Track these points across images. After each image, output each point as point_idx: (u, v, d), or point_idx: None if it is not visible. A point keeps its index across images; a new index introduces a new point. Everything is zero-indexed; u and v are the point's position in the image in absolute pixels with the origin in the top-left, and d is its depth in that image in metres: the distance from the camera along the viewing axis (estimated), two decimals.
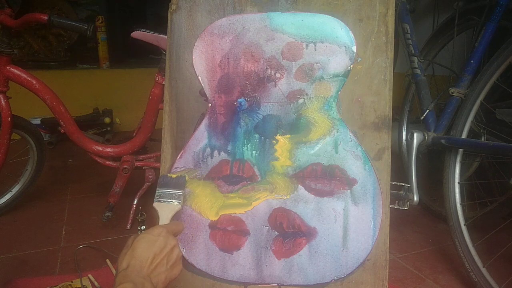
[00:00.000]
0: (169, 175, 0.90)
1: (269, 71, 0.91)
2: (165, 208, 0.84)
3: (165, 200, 0.85)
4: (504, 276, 1.12)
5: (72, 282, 1.12)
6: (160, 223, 0.81)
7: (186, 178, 0.91)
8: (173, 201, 0.85)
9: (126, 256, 0.68)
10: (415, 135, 1.32)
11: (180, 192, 0.88)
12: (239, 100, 0.93)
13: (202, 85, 0.93)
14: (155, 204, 0.84)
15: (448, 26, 1.57)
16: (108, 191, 1.50)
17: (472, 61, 1.29)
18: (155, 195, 0.86)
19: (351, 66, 0.90)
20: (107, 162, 1.52)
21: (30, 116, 2.38)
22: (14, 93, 1.42)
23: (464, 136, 1.22)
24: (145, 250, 0.68)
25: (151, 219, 1.02)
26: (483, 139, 1.32)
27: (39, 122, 2.50)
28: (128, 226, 1.46)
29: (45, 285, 1.10)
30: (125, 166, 1.47)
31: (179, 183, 0.89)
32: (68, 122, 1.46)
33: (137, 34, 1.36)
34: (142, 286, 0.63)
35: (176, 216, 0.85)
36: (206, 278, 0.94)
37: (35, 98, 1.43)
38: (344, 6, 0.91)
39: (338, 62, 0.90)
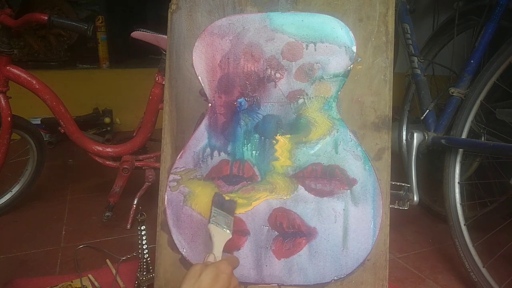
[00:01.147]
0: (221, 195, 0.89)
1: (269, 71, 0.91)
2: (220, 235, 0.82)
3: (220, 225, 0.83)
4: (504, 276, 1.12)
5: (72, 282, 1.12)
6: (215, 251, 0.80)
7: (236, 205, 0.91)
8: (226, 228, 0.83)
9: (194, 287, 0.68)
10: (415, 135, 1.32)
11: (231, 220, 0.86)
12: (239, 100, 0.93)
13: (202, 85, 0.93)
14: (211, 227, 0.82)
15: (448, 26, 1.57)
16: (108, 191, 1.50)
17: (472, 61, 1.29)
18: (211, 214, 0.84)
19: (351, 66, 0.90)
20: (107, 162, 1.52)
21: (30, 116, 2.38)
22: (14, 93, 1.42)
23: (464, 136, 1.22)
24: (212, 286, 0.68)
25: (151, 219, 1.02)
26: (483, 139, 1.32)
27: (39, 122, 2.50)
28: (128, 226, 1.46)
29: (45, 285, 1.10)
30: (125, 166, 1.47)
31: (231, 208, 0.88)
32: (68, 122, 1.46)
33: (137, 34, 1.36)
34: None
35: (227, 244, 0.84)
36: None
37: (35, 98, 1.43)
38: (344, 6, 0.91)
39: (338, 62, 0.90)
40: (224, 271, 0.71)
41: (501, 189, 1.44)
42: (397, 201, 1.17)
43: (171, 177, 0.95)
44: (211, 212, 0.84)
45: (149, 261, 1.05)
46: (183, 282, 0.69)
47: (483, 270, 1.12)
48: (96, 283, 1.12)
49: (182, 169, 0.94)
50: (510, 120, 1.28)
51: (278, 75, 0.91)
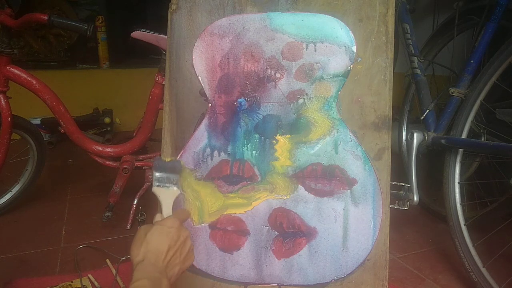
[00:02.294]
0: (163, 158, 0.88)
1: (269, 71, 0.91)
2: (166, 194, 0.82)
3: (164, 185, 0.83)
4: (504, 276, 1.12)
5: (72, 282, 1.12)
6: (163, 210, 0.80)
7: (182, 163, 0.89)
8: (172, 186, 0.83)
9: (141, 248, 0.67)
10: (415, 135, 1.32)
11: (177, 177, 0.85)
12: (239, 100, 0.93)
13: (202, 85, 0.93)
14: (155, 189, 0.82)
15: (448, 26, 1.57)
16: (108, 191, 1.50)
17: (472, 61, 1.29)
18: (153, 179, 0.84)
19: (351, 66, 0.90)
20: (107, 162, 1.52)
21: (30, 116, 2.38)
22: (14, 93, 1.42)
23: (464, 136, 1.22)
24: (160, 243, 0.68)
25: (151, 219, 1.01)
26: (483, 139, 1.32)
27: (39, 122, 2.50)
28: (128, 226, 1.46)
29: (45, 285, 1.10)
30: (125, 166, 1.47)
31: (175, 168, 0.86)
32: (68, 122, 1.46)
33: (137, 34, 1.36)
34: (159, 282, 0.63)
35: (176, 202, 0.84)
36: (206, 278, 0.94)
37: (35, 98, 1.43)
38: (344, 6, 0.91)
39: (338, 62, 0.90)
40: (172, 226, 0.70)
41: (501, 189, 1.44)
42: (397, 201, 1.17)
43: None
44: (152, 177, 0.84)
45: None
46: (130, 247, 0.68)
47: (483, 270, 1.12)
48: (96, 283, 1.12)
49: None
50: (510, 120, 1.28)
51: (278, 75, 0.91)
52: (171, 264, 0.68)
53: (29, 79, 1.39)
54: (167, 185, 0.83)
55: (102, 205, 1.55)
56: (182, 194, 0.89)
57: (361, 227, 0.91)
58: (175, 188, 0.83)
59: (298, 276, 0.92)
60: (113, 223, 1.50)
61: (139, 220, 1.48)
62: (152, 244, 0.67)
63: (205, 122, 0.93)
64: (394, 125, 1.40)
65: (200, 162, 0.94)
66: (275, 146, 0.92)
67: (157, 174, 0.84)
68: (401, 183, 1.18)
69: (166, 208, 0.80)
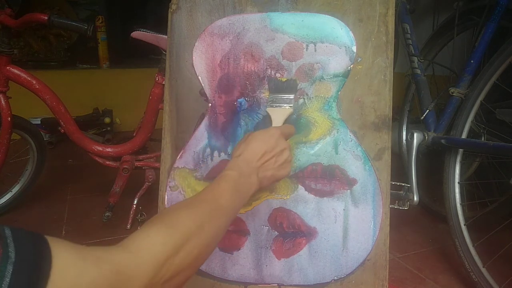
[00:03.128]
0: (279, 78, 0.89)
1: (269, 71, 0.91)
2: (278, 113, 0.85)
3: (277, 105, 0.86)
4: (504, 276, 1.12)
5: None
6: (273, 125, 0.84)
7: (297, 81, 0.90)
8: (285, 105, 0.86)
9: (240, 146, 0.74)
10: (415, 135, 1.32)
11: (292, 96, 0.88)
12: (239, 100, 0.93)
13: (202, 85, 0.93)
14: (268, 109, 0.86)
15: (448, 26, 1.57)
16: (108, 191, 1.50)
17: (472, 61, 1.29)
18: (268, 100, 0.88)
19: (351, 66, 0.90)
20: (107, 162, 1.52)
21: (30, 116, 2.38)
22: (14, 93, 1.42)
23: (464, 136, 1.22)
24: (257, 145, 0.73)
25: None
26: (483, 139, 1.32)
27: (39, 122, 2.50)
28: (128, 226, 1.46)
29: None
30: (125, 166, 1.47)
31: (290, 87, 0.88)
32: (68, 122, 1.46)
33: (137, 34, 1.36)
34: (248, 176, 0.69)
35: (288, 120, 0.87)
36: (206, 278, 0.94)
37: (35, 98, 1.43)
38: (344, 6, 0.91)
39: (338, 62, 0.90)
40: (273, 134, 0.76)
41: (501, 189, 1.44)
42: (397, 201, 1.17)
43: (171, 177, 0.95)
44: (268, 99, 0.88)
45: None
46: (234, 148, 0.75)
47: (483, 270, 1.12)
48: None
49: (182, 169, 0.94)
50: (510, 120, 1.28)
51: (278, 75, 0.91)
52: (265, 167, 0.73)
53: (29, 79, 1.39)
54: (280, 105, 0.86)
55: (102, 205, 1.55)
56: (292, 113, 0.89)
57: (361, 227, 0.91)
58: (287, 107, 0.86)
59: (298, 276, 0.92)
60: (113, 223, 1.50)
61: (139, 220, 1.48)
62: (251, 145, 0.73)
63: (205, 122, 0.93)
64: (394, 125, 1.40)
65: (200, 162, 0.94)
66: None
67: (272, 95, 0.88)
68: (401, 183, 1.18)
69: (276, 125, 0.84)
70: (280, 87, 0.88)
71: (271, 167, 0.74)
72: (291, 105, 0.87)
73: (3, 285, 0.33)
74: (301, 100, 0.91)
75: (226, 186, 0.64)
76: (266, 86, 0.91)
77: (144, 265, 0.46)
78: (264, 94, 0.92)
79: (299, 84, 0.89)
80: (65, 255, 0.39)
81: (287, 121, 0.87)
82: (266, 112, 0.87)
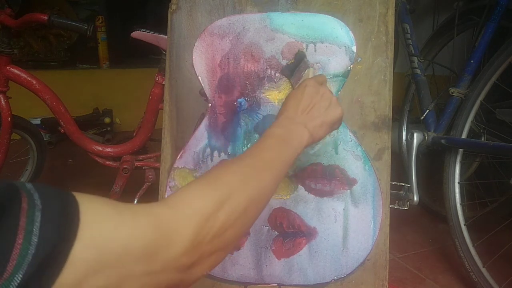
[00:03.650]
0: (288, 63, 0.91)
1: (269, 71, 0.91)
2: (305, 78, 0.85)
3: (300, 77, 0.87)
4: (504, 276, 1.12)
5: None
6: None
7: (304, 52, 0.91)
8: (304, 72, 0.87)
9: (280, 110, 0.72)
10: (415, 135, 1.32)
11: (304, 60, 0.89)
12: (239, 100, 0.93)
13: (202, 85, 0.93)
14: (296, 85, 0.86)
15: (448, 26, 1.57)
16: (108, 191, 1.50)
17: (472, 61, 1.29)
18: (292, 83, 0.89)
19: (351, 66, 0.90)
20: (107, 162, 1.52)
21: (30, 116, 2.38)
22: (14, 93, 1.42)
23: (464, 136, 1.22)
24: (295, 100, 0.71)
25: None
26: (483, 139, 1.32)
27: (39, 122, 2.50)
28: None
29: None
30: (125, 166, 1.47)
31: (300, 57, 0.89)
32: (68, 122, 1.46)
33: (137, 34, 1.36)
34: (295, 130, 0.66)
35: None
36: (206, 278, 0.94)
37: (35, 98, 1.43)
38: (344, 6, 0.91)
39: (338, 62, 0.90)
40: (307, 84, 0.74)
41: (501, 189, 1.44)
42: (397, 201, 1.17)
43: (171, 177, 0.95)
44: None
45: None
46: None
47: (483, 270, 1.12)
48: None
49: (182, 169, 0.94)
50: (510, 120, 1.28)
51: (278, 75, 0.91)
52: (311, 116, 0.69)
53: (29, 79, 1.39)
54: (302, 74, 0.87)
55: None
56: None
57: (361, 227, 0.91)
58: (306, 71, 0.87)
59: (298, 276, 0.92)
60: None
61: None
62: (288, 103, 0.71)
63: (205, 122, 0.93)
64: (394, 125, 1.40)
65: (200, 162, 0.94)
66: None
67: (292, 78, 0.89)
68: (401, 183, 1.18)
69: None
70: (292, 67, 0.89)
71: (317, 114, 0.70)
72: (309, 66, 0.88)
73: (34, 229, 0.32)
74: None
75: (271, 141, 0.62)
76: (266, 86, 0.91)
77: (186, 220, 0.43)
78: (264, 94, 0.92)
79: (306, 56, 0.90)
80: (96, 206, 0.37)
81: None
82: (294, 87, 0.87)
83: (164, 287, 0.42)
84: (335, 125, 0.73)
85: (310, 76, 0.85)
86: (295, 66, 0.89)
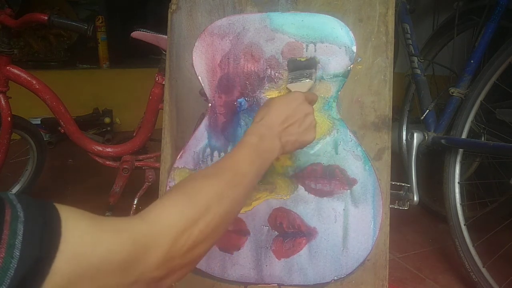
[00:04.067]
0: (298, 58, 0.89)
1: (269, 71, 0.91)
2: (299, 87, 0.85)
3: (297, 80, 0.86)
4: (504, 276, 1.12)
5: None
6: None
7: (316, 59, 0.90)
8: (305, 79, 0.86)
9: (262, 111, 0.71)
10: (415, 135, 1.32)
11: (312, 70, 0.88)
12: (239, 100, 0.93)
13: (202, 85, 0.93)
14: (288, 85, 0.86)
15: (448, 26, 1.57)
16: (108, 191, 1.50)
17: (472, 61, 1.29)
18: (288, 78, 0.88)
19: (351, 66, 0.90)
20: (107, 162, 1.52)
21: (30, 116, 2.38)
22: (14, 93, 1.42)
23: (464, 136, 1.22)
24: (279, 110, 0.70)
25: None
26: (483, 139, 1.32)
27: (39, 122, 2.50)
28: None
29: None
30: (125, 166, 1.47)
31: (310, 64, 0.89)
32: (68, 122, 1.46)
33: (137, 34, 1.36)
34: (270, 141, 0.66)
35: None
36: (206, 278, 0.94)
37: (35, 98, 1.43)
38: (344, 6, 0.91)
39: (338, 62, 0.90)
40: (296, 98, 0.73)
41: (501, 189, 1.44)
42: (397, 201, 1.17)
43: (171, 177, 0.95)
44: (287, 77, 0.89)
45: None
46: (256, 113, 0.73)
47: (483, 270, 1.12)
48: None
49: (182, 169, 0.94)
50: (510, 120, 1.28)
51: (278, 75, 0.91)
52: (288, 131, 0.70)
53: (29, 79, 1.39)
54: (300, 79, 0.86)
55: (102, 205, 1.54)
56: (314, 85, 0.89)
57: (361, 227, 0.91)
58: (307, 80, 0.86)
59: (298, 276, 0.92)
60: None
61: None
62: (272, 109, 0.70)
63: (205, 122, 0.93)
64: (394, 125, 1.40)
65: (200, 162, 0.94)
66: None
67: (291, 73, 0.88)
68: (401, 183, 1.18)
69: None
70: (299, 65, 0.88)
71: (294, 131, 0.70)
72: (311, 78, 0.87)
73: (16, 242, 0.33)
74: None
75: (246, 152, 0.62)
76: (266, 86, 0.91)
77: (162, 236, 0.45)
78: (264, 94, 0.92)
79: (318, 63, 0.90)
80: (77, 219, 0.38)
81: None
82: (287, 89, 0.86)
83: None
84: (303, 146, 0.75)
85: (306, 88, 0.85)
86: (301, 66, 0.88)
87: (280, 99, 0.73)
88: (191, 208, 0.49)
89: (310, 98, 0.78)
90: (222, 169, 0.59)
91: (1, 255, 0.32)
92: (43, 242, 0.34)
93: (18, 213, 0.34)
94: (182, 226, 0.47)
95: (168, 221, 0.46)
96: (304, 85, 0.85)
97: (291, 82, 0.87)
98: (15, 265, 0.32)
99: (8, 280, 0.31)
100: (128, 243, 0.41)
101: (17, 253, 0.32)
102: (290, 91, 0.85)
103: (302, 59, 0.89)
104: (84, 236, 0.38)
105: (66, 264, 0.35)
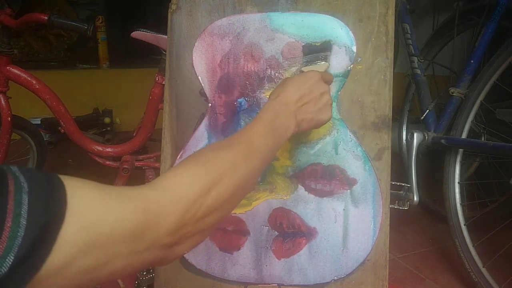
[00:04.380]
0: (313, 43, 0.90)
1: (269, 71, 0.91)
2: (314, 69, 0.84)
3: (312, 62, 0.87)
4: (504, 276, 1.12)
5: None
6: None
7: (331, 41, 0.90)
8: (320, 61, 0.87)
9: (278, 89, 0.71)
10: (415, 135, 1.32)
11: (327, 53, 0.88)
12: (239, 100, 0.93)
13: (202, 85, 0.93)
14: (304, 68, 0.86)
15: (448, 26, 1.57)
16: None
17: (472, 61, 1.29)
18: (302, 62, 0.89)
19: (351, 66, 0.90)
20: (107, 162, 1.52)
21: (30, 116, 2.38)
22: (14, 93, 1.42)
23: (464, 136, 1.22)
24: (295, 88, 0.70)
25: None
26: (483, 139, 1.32)
27: (39, 122, 2.50)
28: None
29: None
30: (125, 166, 1.47)
31: (325, 47, 0.89)
32: (68, 122, 1.46)
33: (137, 34, 1.36)
34: (285, 118, 0.66)
35: None
36: (206, 278, 0.94)
37: (35, 98, 1.43)
38: (344, 6, 0.91)
39: (338, 62, 0.90)
40: (311, 77, 0.72)
41: (501, 189, 1.45)
42: (397, 201, 1.17)
43: None
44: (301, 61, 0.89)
45: None
46: (272, 91, 0.72)
47: (483, 270, 1.12)
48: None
49: None
50: (510, 120, 1.28)
51: (278, 75, 0.91)
52: (304, 109, 0.69)
53: (29, 79, 1.39)
54: (315, 62, 0.87)
55: None
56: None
57: (361, 227, 0.91)
58: (323, 63, 0.86)
59: (298, 276, 0.92)
60: None
61: None
62: (288, 87, 0.70)
63: (205, 122, 0.93)
64: (394, 125, 1.40)
65: None
66: None
67: (306, 57, 0.88)
68: (401, 183, 1.18)
69: None
70: (314, 49, 0.89)
71: (310, 110, 0.70)
72: (326, 61, 0.87)
73: (22, 211, 0.33)
74: None
75: (260, 128, 0.62)
76: (266, 86, 0.91)
77: (173, 204, 0.44)
78: (264, 94, 0.92)
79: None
80: (83, 188, 0.38)
81: None
82: (301, 70, 0.87)
83: (147, 264, 0.44)
84: (319, 125, 0.75)
85: (322, 69, 0.85)
86: (316, 50, 0.89)
87: (296, 77, 0.73)
88: (204, 177, 0.48)
89: (326, 78, 0.78)
90: (236, 142, 0.58)
91: (8, 224, 0.32)
92: (49, 211, 0.34)
93: (22, 183, 0.34)
94: (194, 195, 0.46)
95: (179, 189, 0.46)
96: (319, 67, 0.86)
97: (306, 65, 0.87)
98: (22, 234, 0.32)
99: (16, 248, 0.31)
100: (138, 211, 0.40)
101: (24, 222, 0.32)
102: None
103: (317, 43, 0.89)
104: (91, 205, 0.37)
105: (74, 232, 0.35)
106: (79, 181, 0.39)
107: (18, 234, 0.32)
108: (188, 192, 0.46)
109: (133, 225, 0.40)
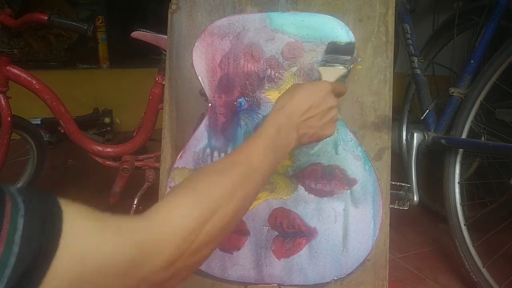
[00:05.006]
0: (338, 41, 0.86)
1: (269, 71, 0.91)
2: (330, 72, 0.79)
3: (330, 64, 0.81)
4: (504, 276, 1.12)
5: None
6: None
7: (355, 46, 0.85)
8: (339, 65, 0.80)
9: (285, 97, 0.66)
10: (415, 135, 1.32)
11: (348, 57, 0.82)
12: (239, 100, 0.93)
13: (202, 85, 0.93)
14: (320, 68, 0.81)
15: (448, 26, 1.57)
16: (108, 191, 1.50)
17: (472, 61, 1.29)
18: (321, 60, 0.83)
19: (351, 66, 0.90)
20: (107, 162, 1.52)
21: (30, 116, 2.38)
22: (14, 93, 1.42)
23: (464, 136, 1.22)
24: (303, 99, 0.66)
25: None
26: (483, 139, 1.32)
27: (39, 122, 2.50)
28: None
29: None
30: (125, 166, 1.47)
31: (348, 50, 0.84)
32: (68, 122, 1.46)
33: (137, 34, 1.36)
34: (287, 132, 0.63)
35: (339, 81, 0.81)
36: (206, 278, 0.94)
37: (35, 98, 1.43)
38: (344, 6, 0.91)
39: None
40: (322, 89, 0.68)
41: (501, 189, 1.45)
42: (397, 201, 1.17)
43: (171, 177, 0.95)
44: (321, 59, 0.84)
45: None
46: (278, 98, 0.68)
47: (483, 270, 1.12)
48: None
49: (182, 169, 0.94)
50: (510, 120, 1.28)
51: (278, 75, 0.91)
52: (308, 123, 0.66)
53: (29, 79, 1.39)
54: (334, 64, 0.81)
55: (102, 205, 1.54)
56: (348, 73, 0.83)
57: (361, 227, 0.91)
58: (341, 67, 0.80)
59: (298, 276, 0.92)
60: None
61: None
62: (296, 97, 0.66)
63: (205, 122, 0.93)
64: (394, 125, 1.40)
65: (200, 162, 0.94)
66: None
67: (326, 56, 0.83)
68: (401, 183, 1.18)
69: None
70: (337, 49, 0.84)
71: (315, 124, 0.66)
72: (347, 66, 0.81)
73: (15, 237, 0.32)
74: None
75: (261, 145, 0.59)
76: (266, 86, 0.91)
77: (168, 239, 0.43)
78: (264, 94, 0.92)
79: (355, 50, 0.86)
80: (80, 219, 0.37)
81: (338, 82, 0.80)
82: (317, 71, 0.82)
83: None
84: (320, 140, 0.71)
85: (338, 74, 0.79)
86: (339, 51, 0.83)
87: (306, 87, 0.68)
88: (199, 210, 0.47)
89: (338, 90, 0.73)
90: (234, 164, 0.55)
91: (0, 249, 0.31)
92: (43, 237, 0.33)
93: (19, 206, 0.34)
94: (189, 229, 0.45)
95: (174, 224, 0.45)
96: (336, 71, 0.80)
97: (323, 65, 0.82)
98: (13, 262, 0.31)
99: (6, 279, 0.31)
100: (133, 246, 0.40)
101: (16, 249, 0.32)
102: (320, 74, 0.80)
103: (341, 43, 0.85)
104: (86, 236, 0.37)
105: (66, 264, 0.34)
106: (77, 208, 0.38)
107: (9, 262, 0.31)
108: (182, 227, 0.45)
109: (126, 260, 0.39)
